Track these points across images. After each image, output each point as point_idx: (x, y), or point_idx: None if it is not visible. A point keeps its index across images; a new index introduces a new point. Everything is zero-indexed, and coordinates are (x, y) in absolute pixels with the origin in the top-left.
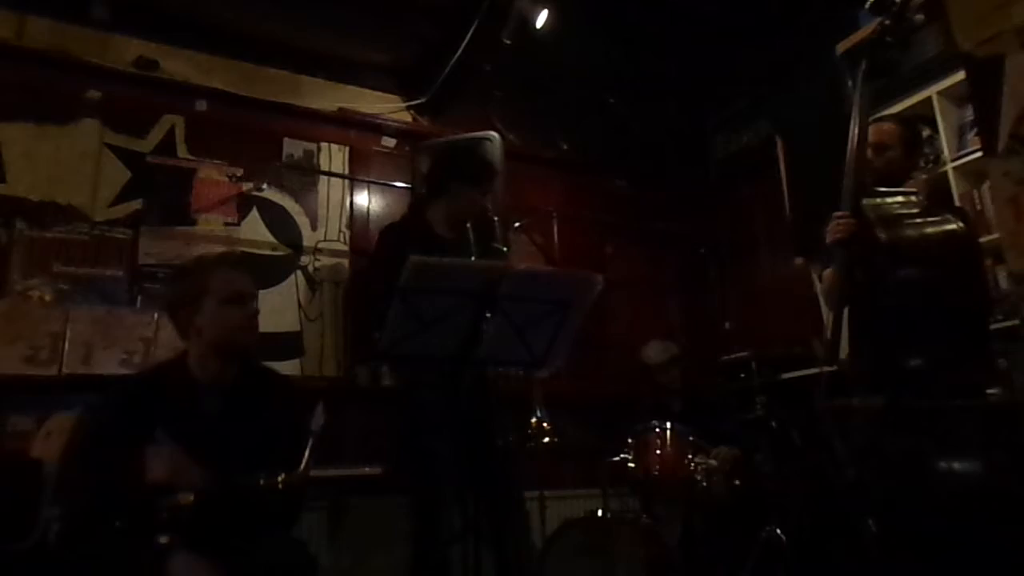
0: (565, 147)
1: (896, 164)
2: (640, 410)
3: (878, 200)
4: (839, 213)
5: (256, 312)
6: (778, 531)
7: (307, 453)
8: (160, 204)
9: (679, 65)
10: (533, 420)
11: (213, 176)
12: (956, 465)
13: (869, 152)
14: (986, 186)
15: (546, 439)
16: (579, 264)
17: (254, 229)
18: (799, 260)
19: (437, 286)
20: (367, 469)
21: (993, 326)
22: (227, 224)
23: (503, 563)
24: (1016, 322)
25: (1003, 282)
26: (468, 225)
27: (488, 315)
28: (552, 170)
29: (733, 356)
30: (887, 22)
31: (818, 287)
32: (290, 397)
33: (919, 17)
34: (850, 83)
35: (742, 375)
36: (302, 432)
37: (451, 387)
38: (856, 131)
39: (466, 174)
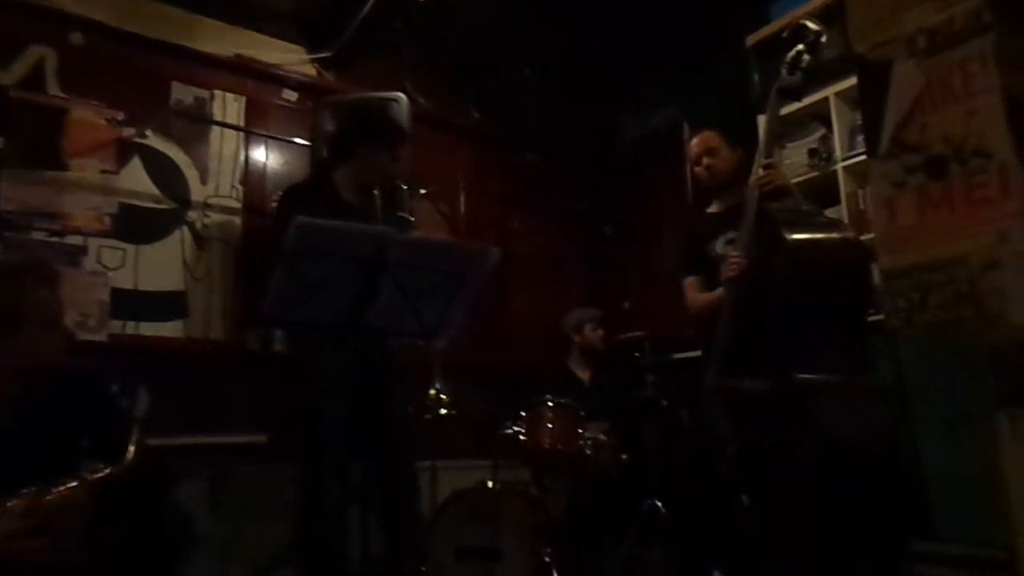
0: (476, 116)
1: (731, 161)
2: (544, 383)
3: (778, 205)
4: (734, 254)
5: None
6: (659, 504)
7: (133, 440)
8: (25, 145)
9: (596, 43)
10: (432, 392)
11: (89, 118)
12: (828, 441)
13: (705, 161)
14: (868, 190)
15: (443, 410)
16: (484, 237)
17: (135, 179)
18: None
19: (324, 250)
20: (253, 437)
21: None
22: (104, 172)
23: (391, 532)
24: (882, 316)
25: (875, 278)
26: (375, 192)
27: (379, 283)
28: (461, 138)
29: (628, 335)
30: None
31: (689, 300)
32: (96, 390)
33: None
34: (756, 76)
35: (636, 354)
36: (121, 421)
37: (343, 355)
38: (760, 159)
39: (376, 137)
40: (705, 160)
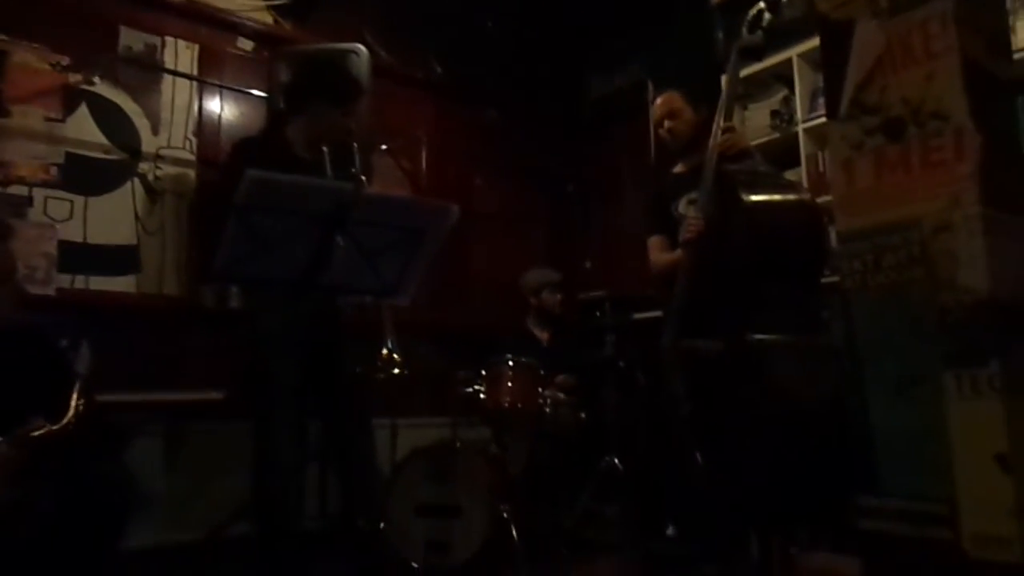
0: (439, 70)
1: (692, 123)
2: (503, 342)
3: (736, 166)
4: (692, 215)
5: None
6: (616, 461)
7: (75, 397)
8: None
9: None
10: (384, 351)
11: (31, 62)
12: (779, 400)
13: (666, 123)
14: (827, 152)
15: (395, 370)
16: (446, 194)
17: (83, 127)
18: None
19: (278, 205)
20: (208, 394)
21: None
22: (49, 119)
23: (348, 489)
24: (836, 278)
25: (832, 240)
26: (325, 149)
27: (337, 240)
28: (424, 93)
29: (589, 295)
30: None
31: (651, 259)
32: (44, 345)
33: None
34: (720, 35)
35: (597, 313)
36: (69, 377)
37: (298, 312)
38: (720, 120)
39: (329, 92)
40: (667, 123)
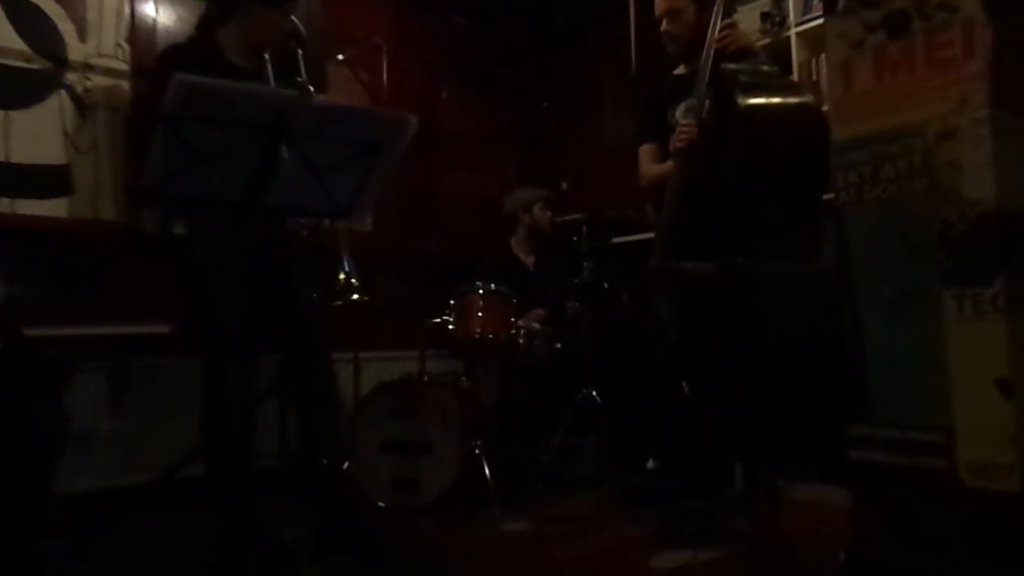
0: None
1: (694, 24)
2: (482, 268)
3: (735, 66)
4: (684, 122)
5: None
6: (594, 393)
7: None
8: None
9: None
10: (341, 276)
11: None
12: (773, 326)
13: (665, 23)
14: (824, 57)
15: (355, 296)
16: (410, 109)
17: None
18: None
19: (211, 114)
20: (154, 327)
21: None
22: None
23: (309, 427)
24: (831, 195)
25: None
26: (266, 56)
27: (282, 154)
28: None
29: (566, 218)
30: None
31: (642, 170)
32: None
33: None
34: None
35: (574, 238)
36: None
37: (242, 237)
38: (719, 17)
39: None
40: (664, 24)
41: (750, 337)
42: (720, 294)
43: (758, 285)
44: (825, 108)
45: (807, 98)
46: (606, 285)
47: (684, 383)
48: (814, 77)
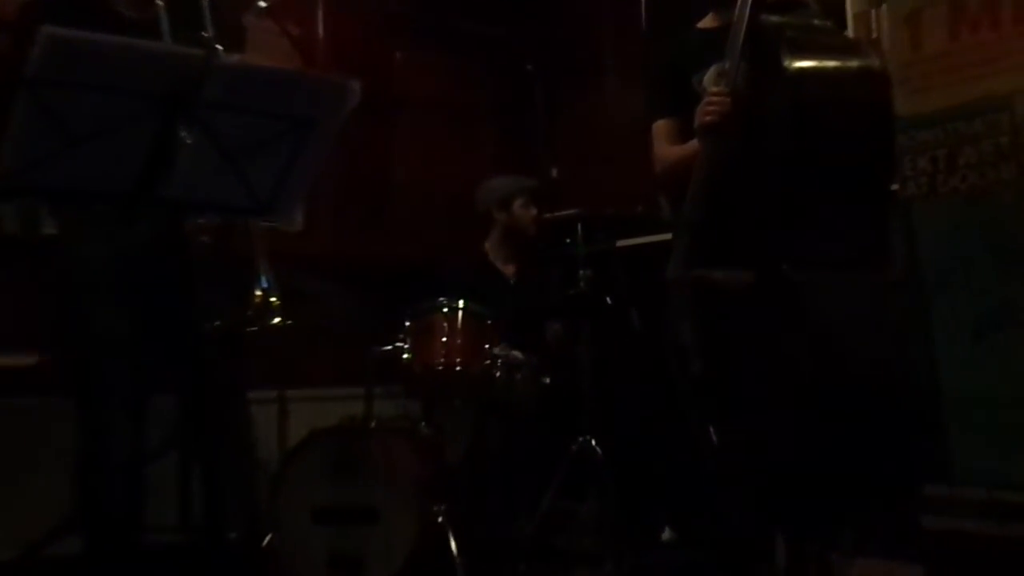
0: None
1: None
2: (448, 279)
3: (779, 18)
4: (715, 90)
5: None
6: (593, 442)
7: None
8: None
9: None
10: (257, 293)
11: None
12: (826, 353)
13: None
14: (886, 7)
15: (278, 318)
16: (354, 73)
17: None
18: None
19: (90, 79)
20: (13, 359)
21: None
22: None
23: (217, 488)
24: (896, 186)
25: None
26: (160, 3)
27: (182, 133)
28: None
29: (557, 215)
30: None
31: (657, 152)
32: None
33: None
34: None
35: (567, 240)
36: None
37: (128, 240)
38: None
39: None
40: None
41: (796, 369)
42: (758, 312)
43: (807, 301)
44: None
45: (871, 61)
46: (609, 301)
47: (711, 429)
48: (874, 34)
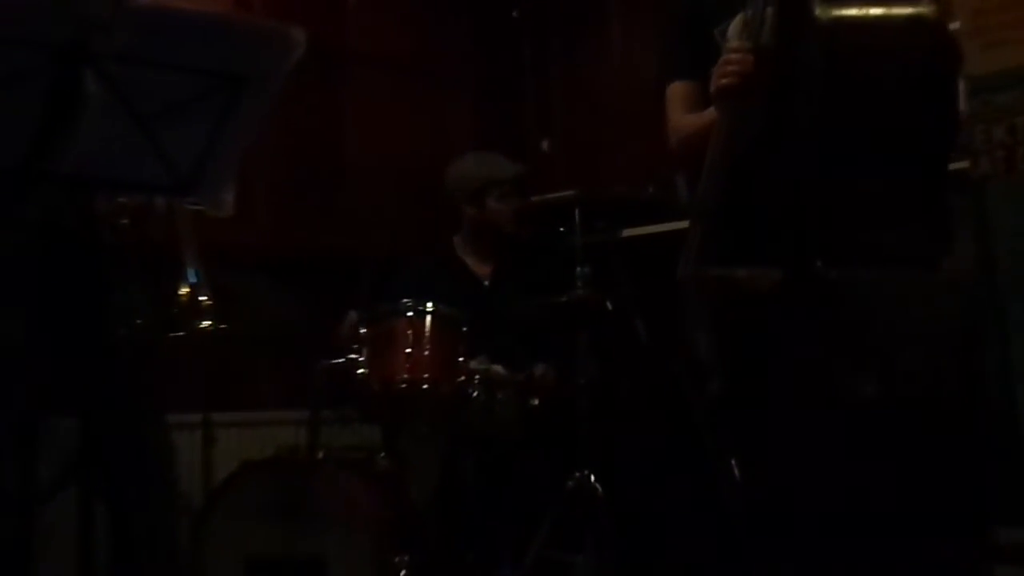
0: None
1: None
2: (410, 278)
3: None
4: (734, 45)
5: None
6: (591, 479)
7: None
8: None
9: None
10: (182, 291)
11: None
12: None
13: None
14: None
15: (205, 323)
16: (297, 19)
17: None
18: None
19: None
20: None
21: None
22: None
23: (126, 532)
24: (966, 163)
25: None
26: None
27: (84, 90)
28: None
29: (549, 197)
30: None
31: (671, 122)
32: None
33: None
34: None
35: (561, 230)
36: None
37: (18, 225)
38: None
39: None
40: None
41: (837, 386)
42: (789, 318)
43: (848, 304)
44: (953, 25)
45: (923, 8)
46: (610, 305)
47: (733, 462)
48: None
